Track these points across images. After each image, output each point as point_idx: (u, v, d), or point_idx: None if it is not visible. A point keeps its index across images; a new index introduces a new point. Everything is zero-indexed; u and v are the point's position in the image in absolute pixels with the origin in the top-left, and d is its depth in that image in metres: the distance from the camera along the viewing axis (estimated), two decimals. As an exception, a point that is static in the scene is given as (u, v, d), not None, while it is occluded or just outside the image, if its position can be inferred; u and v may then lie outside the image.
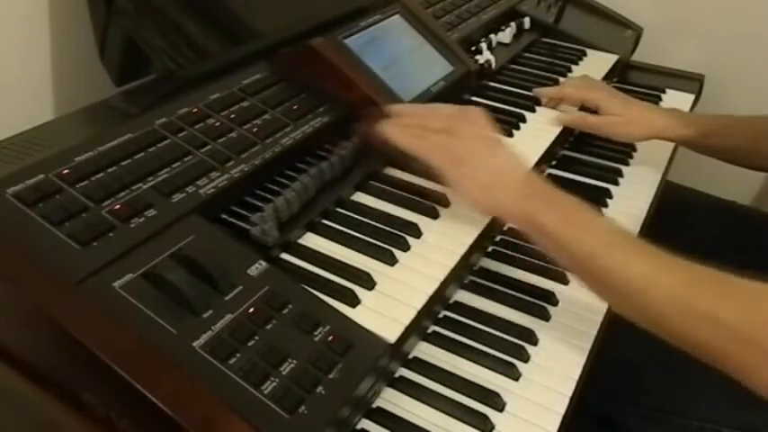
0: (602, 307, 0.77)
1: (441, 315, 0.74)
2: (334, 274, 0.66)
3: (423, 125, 0.74)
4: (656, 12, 1.44)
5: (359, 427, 0.61)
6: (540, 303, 0.77)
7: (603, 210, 0.94)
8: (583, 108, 1.06)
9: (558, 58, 1.23)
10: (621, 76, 1.36)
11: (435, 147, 0.72)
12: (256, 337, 0.54)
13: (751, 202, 1.48)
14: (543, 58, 1.22)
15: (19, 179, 0.58)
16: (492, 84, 1.10)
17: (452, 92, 0.97)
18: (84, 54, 0.77)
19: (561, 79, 1.14)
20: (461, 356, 0.70)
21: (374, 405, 0.63)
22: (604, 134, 1.03)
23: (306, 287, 0.61)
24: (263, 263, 0.60)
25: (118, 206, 0.59)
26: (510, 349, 0.70)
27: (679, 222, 1.12)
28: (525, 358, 0.70)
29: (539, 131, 0.99)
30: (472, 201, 0.72)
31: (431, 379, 0.67)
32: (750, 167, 1.05)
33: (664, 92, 1.30)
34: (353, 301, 0.63)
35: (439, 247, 0.72)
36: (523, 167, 0.73)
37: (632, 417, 0.82)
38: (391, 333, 0.61)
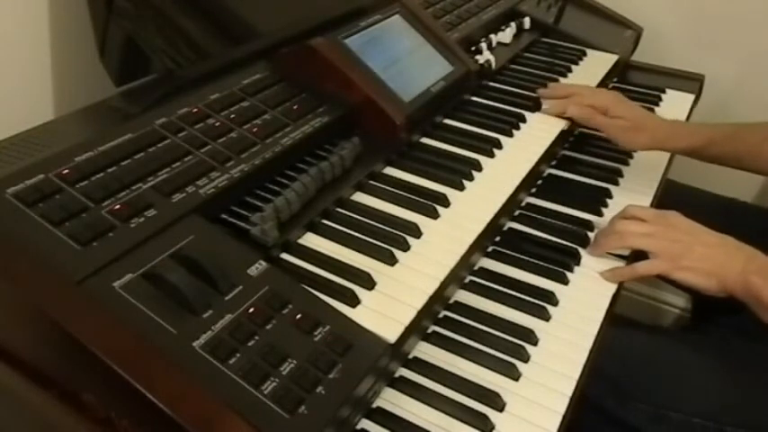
0: (602, 306, 0.77)
1: (441, 315, 0.74)
2: (334, 274, 0.66)
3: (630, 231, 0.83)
4: (655, 12, 1.44)
5: (359, 427, 0.61)
6: (540, 303, 0.76)
7: (603, 210, 0.94)
8: None
9: (558, 58, 1.23)
10: (621, 76, 1.36)
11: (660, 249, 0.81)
12: (256, 337, 0.54)
13: (751, 199, 1.48)
14: (543, 58, 1.22)
15: (19, 179, 0.58)
16: (492, 84, 1.10)
17: (452, 92, 0.97)
18: (84, 54, 0.78)
19: (561, 79, 1.14)
20: (461, 356, 0.70)
21: (374, 405, 0.63)
22: (609, 136, 1.02)
23: (306, 287, 0.61)
24: (263, 263, 0.60)
25: (118, 206, 0.59)
26: (510, 349, 0.70)
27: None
28: (525, 358, 0.70)
29: (539, 131, 0.98)
30: (700, 287, 0.80)
31: (431, 379, 0.67)
32: (755, 172, 1.04)
33: (664, 92, 1.30)
34: (353, 301, 0.63)
35: (439, 247, 0.72)
36: (738, 245, 0.81)
37: (635, 413, 0.82)
38: (391, 333, 0.61)
